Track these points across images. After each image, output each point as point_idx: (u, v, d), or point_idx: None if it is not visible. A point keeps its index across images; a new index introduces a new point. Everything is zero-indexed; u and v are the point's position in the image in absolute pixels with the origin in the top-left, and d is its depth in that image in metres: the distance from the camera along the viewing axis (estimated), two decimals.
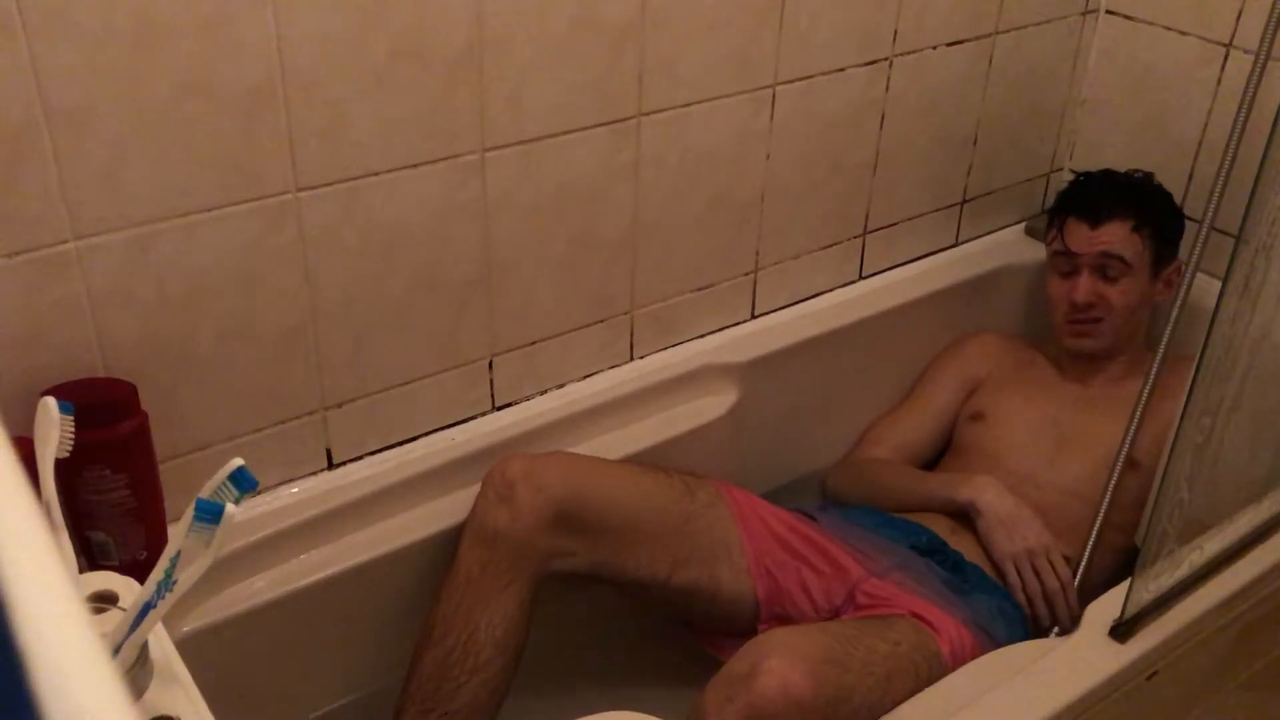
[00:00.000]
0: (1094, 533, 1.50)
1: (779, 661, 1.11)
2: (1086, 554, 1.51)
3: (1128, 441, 1.54)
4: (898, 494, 1.60)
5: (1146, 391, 1.56)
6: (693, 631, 1.49)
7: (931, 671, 1.25)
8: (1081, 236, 1.63)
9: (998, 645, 1.35)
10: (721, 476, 1.50)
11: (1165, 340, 1.57)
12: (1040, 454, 1.60)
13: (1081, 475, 1.57)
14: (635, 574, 1.37)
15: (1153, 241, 1.62)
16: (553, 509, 1.30)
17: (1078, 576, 1.49)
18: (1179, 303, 1.57)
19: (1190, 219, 1.73)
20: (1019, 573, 1.45)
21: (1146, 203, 1.64)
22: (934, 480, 1.59)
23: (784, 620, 1.39)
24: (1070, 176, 1.97)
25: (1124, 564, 1.58)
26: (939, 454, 1.74)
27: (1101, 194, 1.66)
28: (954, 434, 1.73)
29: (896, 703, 1.19)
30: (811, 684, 1.11)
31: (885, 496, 1.61)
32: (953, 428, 1.74)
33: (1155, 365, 1.56)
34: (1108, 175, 1.70)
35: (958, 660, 1.30)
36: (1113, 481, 1.53)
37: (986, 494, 1.49)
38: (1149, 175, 1.70)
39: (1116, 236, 1.61)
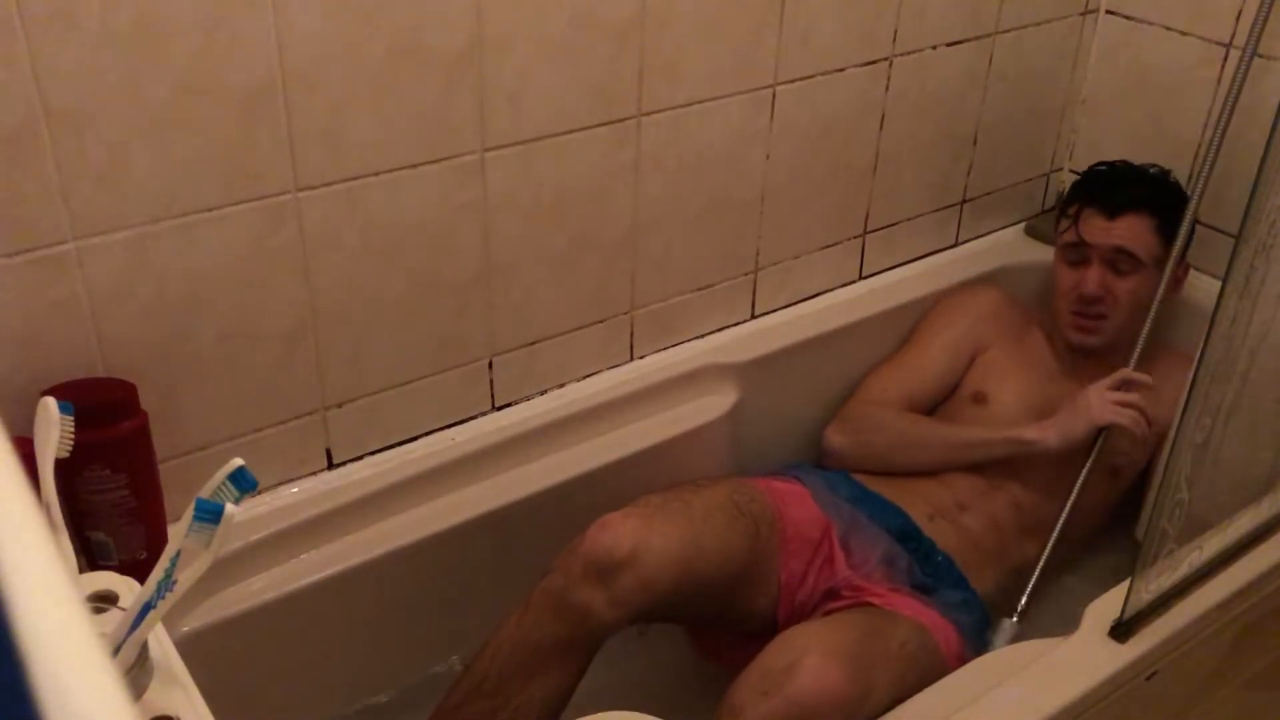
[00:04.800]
0: (1056, 533, 1.54)
1: (817, 660, 1.13)
2: (1046, 553, 1.54)
3: (1096, 450, 1.57)
4: (938, 440, 1.58)
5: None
6: (695, 639, 1.49)
7: (933, 667, 1.27)
8: (1097, 228, 1.60)
9: (966, 638, 1.38)
10: (722, 476, 1.50)
11: (1142, 340, 1.58)
12: None
13: (1064, 474, 1.58)
14: (687, 618, 1.38)
15: (1167, 241, 1.60)
16: (654, 601, 1.23)
17: (1035, 574, 1.52)
18: (1156, 301, 1.58)
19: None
20: (1126, 417, 1.51)
21: (1165, 200, 1.62)
22: (978, 428, 1.58)
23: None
24: (1071, 177, 1.97)
25: (1084, 553, 1.64)
26: (934, 410, 1.72)
27: (1121, 187, 1.62)
28: (952, 409, 1.70)
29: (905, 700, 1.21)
30: (846, 681, 1.13)
31: (919, 446, 1.58)
32: (955, 386, 1.71)
33: (1133, 361, 1.58)
34: (1127, 167, 1.67)
35: (950, 652, 1.31)
36: (1080, 482, 1.56)
37: (1037, 432, 1.53)
38: (1166, 172, 1.67)
39: (1133, 232, 1.58)
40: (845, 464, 1.61)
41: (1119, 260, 1.59)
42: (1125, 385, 1.54)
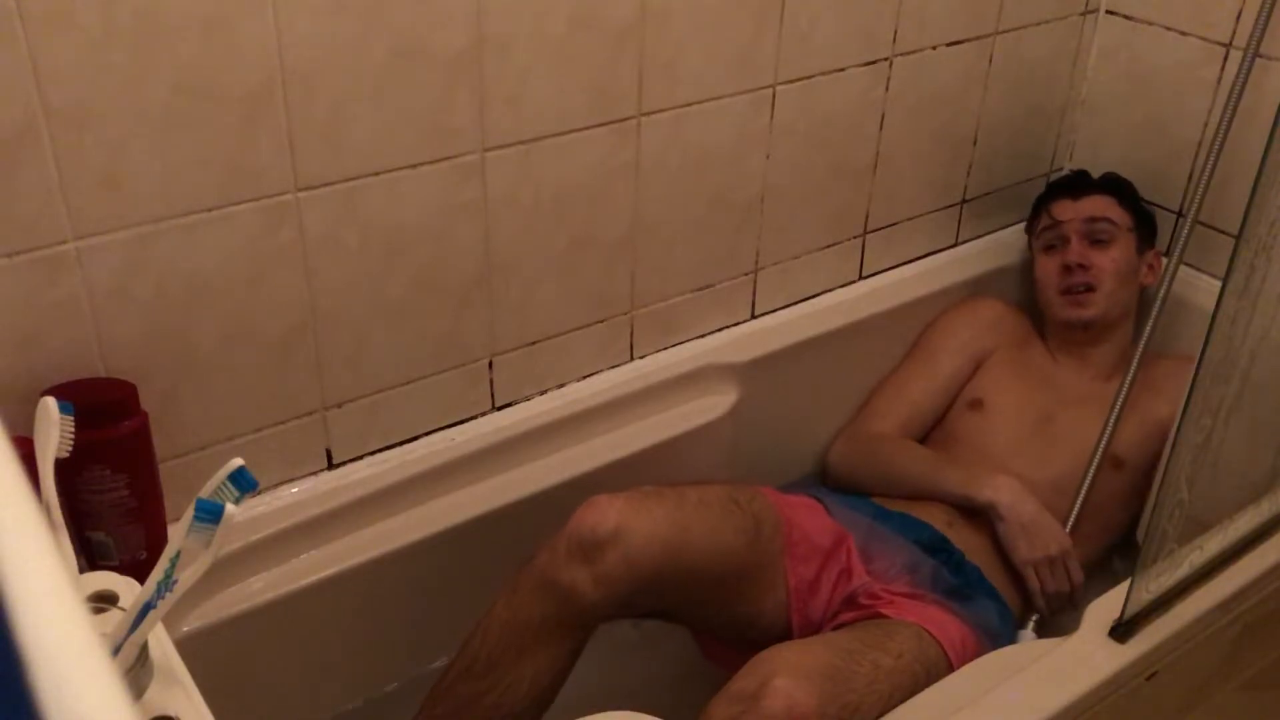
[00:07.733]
0: (1067, 528, 1.53)
1: (785, 681, 1.11)
2: None
3: (1104, 439, 1.57)
4: (912, 480, 1.58)
5: (1125, 389, 1.59)
6: (704, 644, 1.48)
7: (934, 676, 1.25)
8: (1066, 207, 1.70)
9: (997, 648, 1.35)
10: (721, 477, 1.50)
11: (1146, 336, 1.61)
12: (1032, 451, 1.61)
13: (1066, 472, 1.59)
14: (688, 616, 1.37)
15: (1134, 215, 1.70)
16: (640, 582, 1.22)
17: None
18: (1161, 299, 1.61)
19: (1185, 216, 1.76)
20: (1039, 578, 1.47)
21: (1123, 185, 1.74)
22: (952, 474, 1.55)
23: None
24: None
25: (1103, 559, 1.64)
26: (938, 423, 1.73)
27: (1079, 178, 1.76)
28: (951, 415, 1.71)
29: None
30: (817, 704, 1.11)
31: (897, 481, 1.59)
32: (957, 397, 1.73)
33: (1135, 362, 1.59)
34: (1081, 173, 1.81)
35: (964, 660, 1.30)
36: (1088, 481, 1.56)
37: (1008, 497, 1.49)
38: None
39: (1100, 204, 1.69)
40: (841, 483, 1.65)
41: (1095, 230, 1.67)
42: (1072, 575, 1.48)
